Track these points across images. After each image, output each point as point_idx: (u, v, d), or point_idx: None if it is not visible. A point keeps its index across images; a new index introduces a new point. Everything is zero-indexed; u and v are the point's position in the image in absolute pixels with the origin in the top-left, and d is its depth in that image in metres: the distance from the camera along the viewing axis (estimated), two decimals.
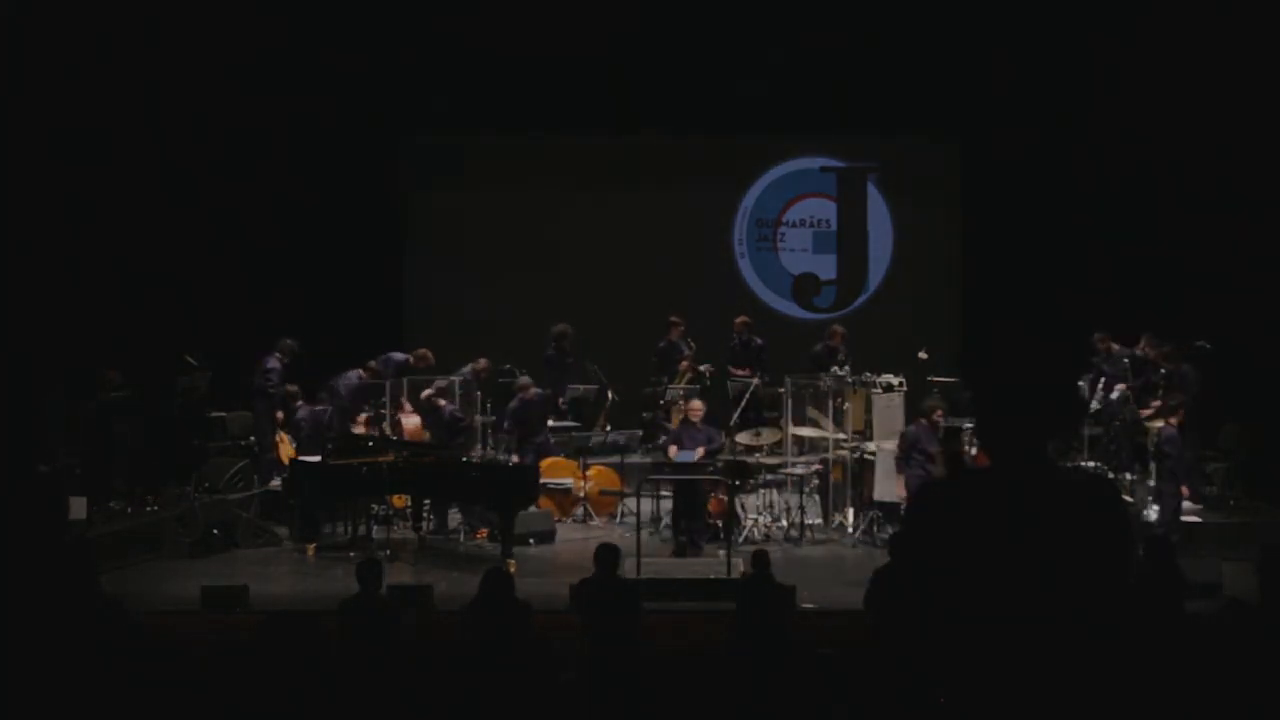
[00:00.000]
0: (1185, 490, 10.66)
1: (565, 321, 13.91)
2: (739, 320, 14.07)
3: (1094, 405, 11.88)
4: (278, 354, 12.70)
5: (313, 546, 10.80)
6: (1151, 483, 11.15)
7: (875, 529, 11.03)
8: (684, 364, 13.67)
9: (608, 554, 7.54)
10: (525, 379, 12.43)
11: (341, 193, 14.56)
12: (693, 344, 13.88)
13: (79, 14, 12.94)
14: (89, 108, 13.22)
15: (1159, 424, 11.05)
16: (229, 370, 12.72)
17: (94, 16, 13.01)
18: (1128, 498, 10.69)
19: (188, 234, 13.87)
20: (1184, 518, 10.74)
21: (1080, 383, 11.86)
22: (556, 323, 13.93)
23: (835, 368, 12.48)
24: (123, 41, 13.21)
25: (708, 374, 13.63)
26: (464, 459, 11.43)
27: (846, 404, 11.79)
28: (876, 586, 7.62)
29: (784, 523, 11.45)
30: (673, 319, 13.98)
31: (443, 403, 11.97)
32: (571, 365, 13.77)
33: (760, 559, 7.90)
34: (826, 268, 15.88)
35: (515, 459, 11.81)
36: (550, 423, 12.96)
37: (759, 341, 13.97)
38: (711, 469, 11.71)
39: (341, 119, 14.54)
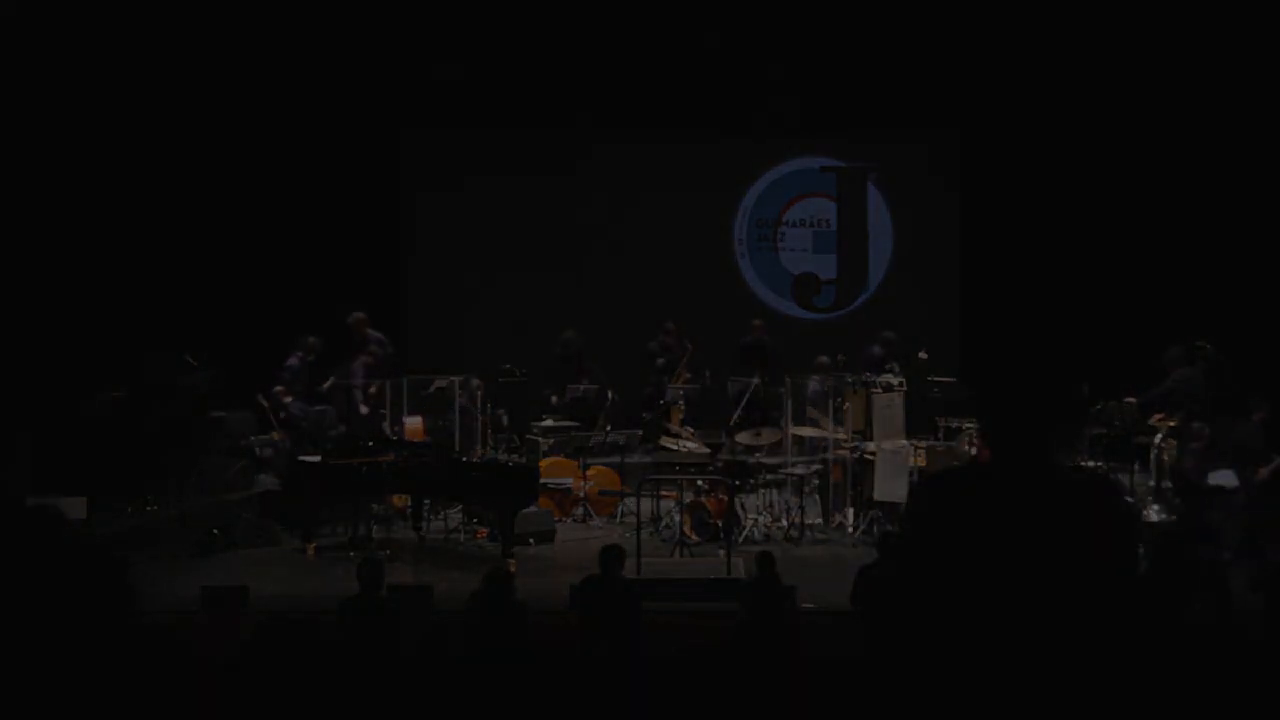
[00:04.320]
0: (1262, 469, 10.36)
1: (568, 322, 13.98)
2: (755, 323, 14.19)
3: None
4: (300, 352, 12.76)
5: (313, 546, 10.79)
6: (1151, 482, 11.15)
7: (875, 529, 11.02)
8: (684, 356, 13.70)
9: (612, 556, 7.55)
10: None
11: (341, 192, 14.56)
12: (690, 345, 13.89)
13: (79, 11, 12.95)
14: (90, 105, 13.23)
15: (1170, 424, 11.07)
16: (229, 370, 12.71)
17: (95, 13, 13.02)
18: (1128, 498, 10.69)
19: (187, 234, 13.88)
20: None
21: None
22: (557, 322, 13.99)
23: (889, 373, 12.46)
24: (123, 38, 13.21)
25: (707, 377, 13.67)
26: (464, 459, 11.45)
27: (846, 404, 11.79)
28: (862, 584, 7.66)
29: (784, 523, 11.45)
30: (668, 326, 14.01)
31: (288, 399, 12.38)
32: (572, 369, 13.81)
33: (765, 561, 7.91)
34: (826, 268, 15.89)
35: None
36: (549, 422, 13.00)
37: (768, 341, 14.02)
38: (711, 469, 11.73)
39: (342, 118, 14.54)
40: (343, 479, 10.83)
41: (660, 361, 13.81)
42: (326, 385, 12.70)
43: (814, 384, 12.11)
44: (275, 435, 12.45)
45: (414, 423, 12.39)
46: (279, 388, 12.52)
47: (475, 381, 12.49)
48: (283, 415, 12.48)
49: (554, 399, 13.46)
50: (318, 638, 6.41)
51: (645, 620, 7.42)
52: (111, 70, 13.21)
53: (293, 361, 12.68)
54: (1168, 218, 13.90)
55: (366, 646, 6.78)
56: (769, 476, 11.95)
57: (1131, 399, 11.83)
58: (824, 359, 12.84)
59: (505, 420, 12.72)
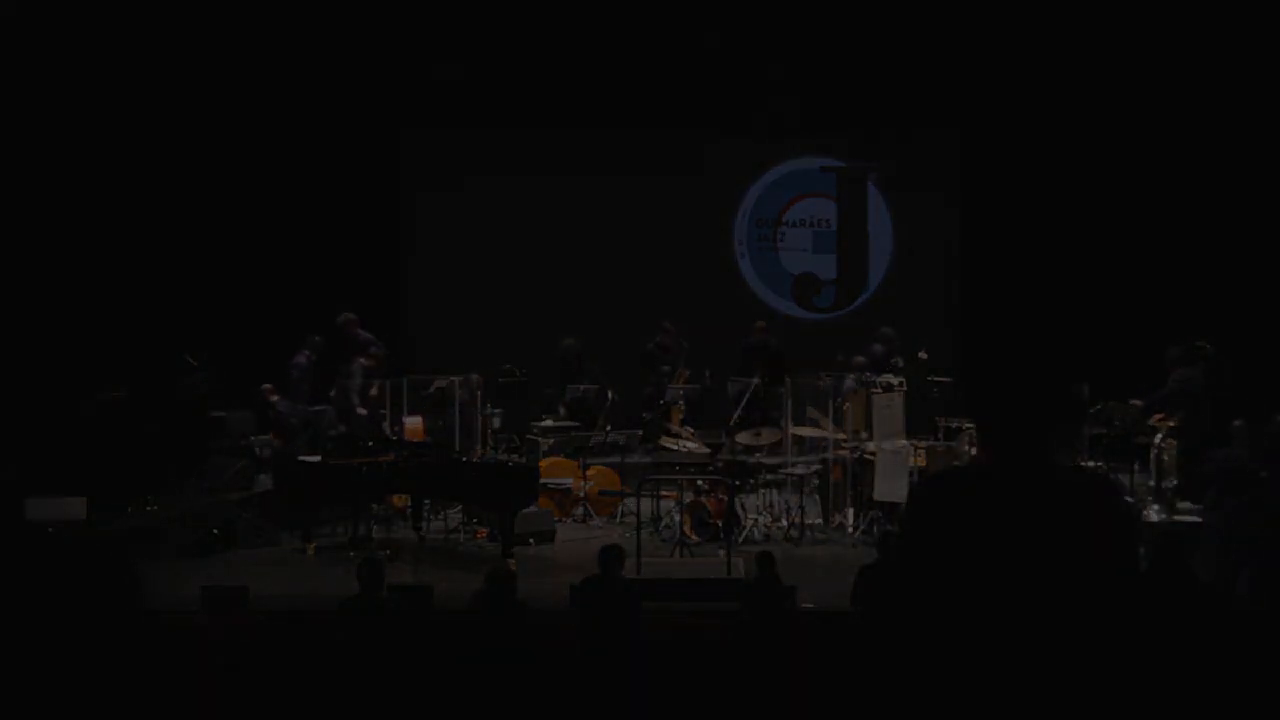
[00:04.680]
0: None
1: (568, 322, 14.01)
2: (758, 324, 14.19)
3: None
4: (307, 350, 12.78)
5: (313, 546, 10.79)
6: (1151, 483, 11.15)
7: (875, 529, 11.01)
8: (682, 355, 13.74)
9: (611, 556, 7.56)
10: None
11: (341, 192, 14.56)
12: (685, 344, 13.91)
13: (80, 11, 12.95)
14: (90, 106, 13.24)
15: (1170, 424, 11.07)
16: (230, 370, 12.73)
17: (95, 14, 13.02)
18: (1129, 498, 10.67)
19: (187, 234, 13.89)
20: (1182, 518, 10.72)
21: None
22: (557, 322, 14.01)
23: (891, 371, 12.48)
24: (123, 39, 13.22)
25: (707, 377, 13.68)
26: (463, 459, 11.45)
27: (846, 404, 11.79)
28: (862, 584, 7.67)
29: (784, 523, 11.45)
30: (666, 325, 14.02)
31: (275, 398, 12.41)
32: (572, 372, 13.83)
33: (765, 561, 7.91)
34: (826, 268, 15.89)
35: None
36: (549, 423, 13.00)
37: (775, 343, 14.02)
38: (711, 469, 11.73)
39: (341, 118, 14.54)
40: (343, 479, 10.83)
41: (666, 368, 13.79)
42: (334, 392, 12.68)
43: (849, 381, 12.10)
44: (272, 436, 12.48)
45: (414, 423, 12.40)
46: (266, 385, 12.49)
47: (475, 377, 12.50)
48: (270, 415, 12.47)
49: (562, 410, 13.44)
50: (318, 638, 6.42)
51: (645, 620, 7.42)
52: (111, 71, 13.21)
53: (300, 360, 12.70)
54: (1168, 217, 13.91)
55: (366, 646, 6.78)
56: (769, 476, 11.95)
57: (1136, 401, 11.83)
58: (860, 358, 12.84)
59: (497, 421, 12.70)
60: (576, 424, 13.05)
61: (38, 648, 5.77)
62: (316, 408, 12.65)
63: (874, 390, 11.62)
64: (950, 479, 3.17)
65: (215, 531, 10.90)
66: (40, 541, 9.71)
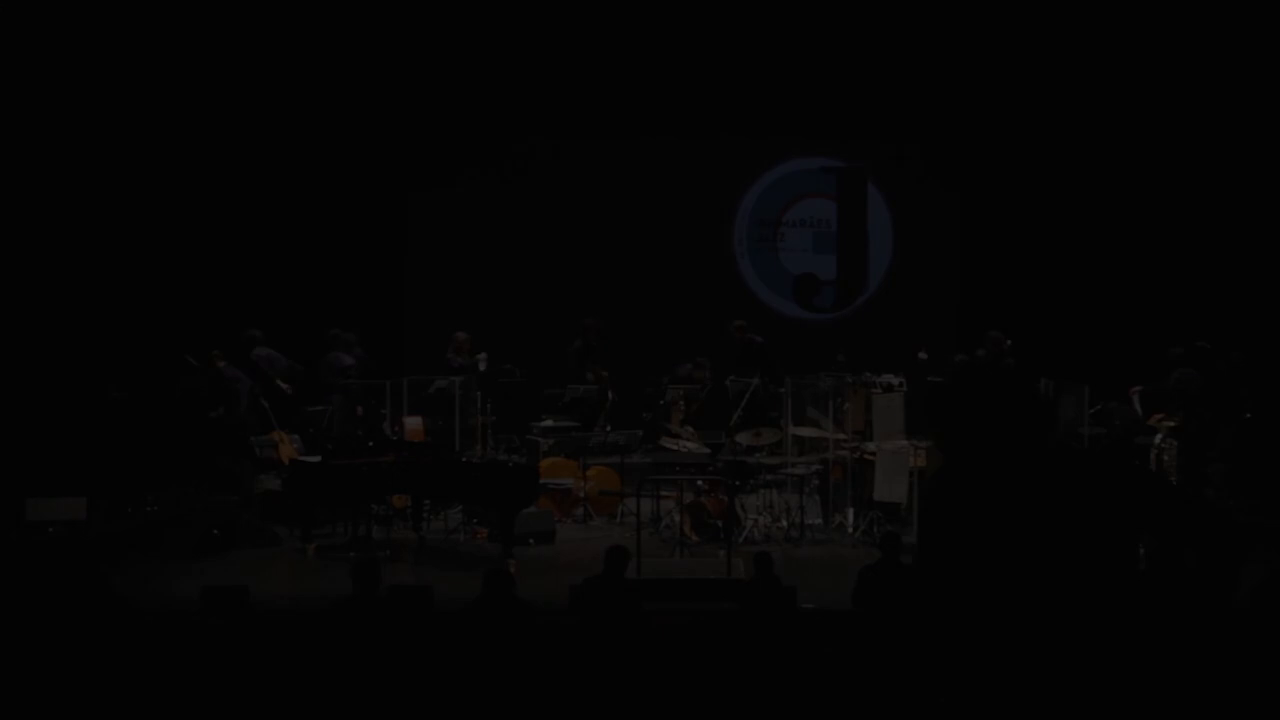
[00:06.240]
0: None
1: (567, 322, 13.99)
2: (736, 324, 14.09)
3: None
4: (341, 350, 12.84)
5: (313, 546, 10.79)
6: None
7: (875, 529, 11.02)
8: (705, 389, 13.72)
9: (617, 556, 7.55)
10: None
11: (339, 193, 14.57)
12: (709, 376, 13.89)
13: (79, 9, 12.97)
14: (91, 107, 13.25)
15: (1170, 424, 11.08)
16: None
17: (96, 17, 13.04)
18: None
19: (188, 235, 13.90)
20: None
21: None
22: (557, 323, 13.99)
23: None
24: (125, 38, 13.23)
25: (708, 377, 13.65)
26: (464, 459, 11.45)
27: (846, 404, 11.79)
28: (864, 585, 7.68)
29: (784, 523, 11.45)
30: (700, 360, 13.94)
31: (222, 364, 12.32)
32: (592, 358, 13.80)
33: (763, 561, 7.91)
34: (826, 268, 15.88)
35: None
36: (550, 422, 12.98)
37: (759, 340, 13.96)
38: (711, 469, 11.73)
39: (338, 121, 14.55)
40: (343, 479, 10.83)
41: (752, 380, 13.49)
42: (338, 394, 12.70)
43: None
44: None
45: (414, 423, 12.39)
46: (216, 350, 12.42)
47: (460, 336, 12.61)
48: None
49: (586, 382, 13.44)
50: (318, 638, 6.42)
51: (645, 620, 7.42)
52: (109, 72, 13.22)
53: (348, 361, 12.75)
54: (1168, 217, 13.92)
55: (366, 647, 6.77)
56: (769, 476, 11.94)
57: (1137, 388, 11.85)
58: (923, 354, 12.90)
59: (483, 366, 12.72)
60: (576, 424, 13.04)
61: (38, 648, 5.77)
62: (315, 408, 12.65)
63: (873, 390, 11.62)
64: (961, 475, 3.19)
65: (215, 531, 10.90)
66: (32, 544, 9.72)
